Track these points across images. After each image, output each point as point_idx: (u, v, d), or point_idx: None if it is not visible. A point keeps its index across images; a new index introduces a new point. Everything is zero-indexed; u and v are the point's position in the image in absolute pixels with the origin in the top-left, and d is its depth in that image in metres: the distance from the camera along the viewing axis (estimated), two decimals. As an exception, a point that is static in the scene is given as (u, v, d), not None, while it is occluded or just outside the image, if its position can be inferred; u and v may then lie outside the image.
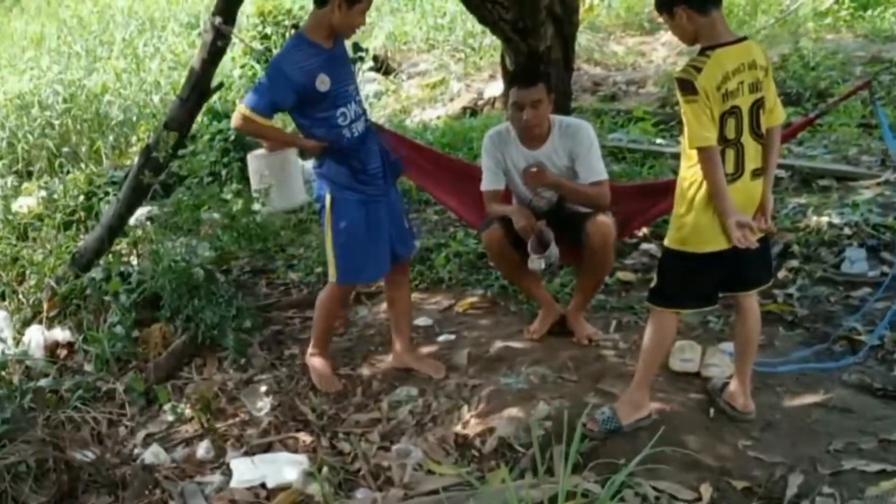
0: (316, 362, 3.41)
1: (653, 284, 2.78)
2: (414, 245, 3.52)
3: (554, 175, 3.25)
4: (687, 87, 2.45)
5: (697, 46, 2.55)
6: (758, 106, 2.54)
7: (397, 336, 3.45)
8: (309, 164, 5.06)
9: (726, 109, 2.48)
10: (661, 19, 2.75)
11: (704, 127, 2.45)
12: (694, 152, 2.52)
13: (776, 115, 2.63)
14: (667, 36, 9.07)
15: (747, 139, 2.54)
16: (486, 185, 3.42)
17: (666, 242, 2.72)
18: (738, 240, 2.47)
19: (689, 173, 2.58)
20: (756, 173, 2.59)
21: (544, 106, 3.19)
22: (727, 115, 2.49)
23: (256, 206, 4.89)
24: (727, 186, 2.49)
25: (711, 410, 2.87)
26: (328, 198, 3.13)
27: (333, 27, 2.98)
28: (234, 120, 3.07)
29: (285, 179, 5.59)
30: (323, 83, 2.96)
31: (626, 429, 2.75)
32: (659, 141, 5.93)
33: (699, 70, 2.44)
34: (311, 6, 3.08)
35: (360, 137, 3.11)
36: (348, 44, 3.52)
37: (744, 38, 2.56)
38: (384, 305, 3.85)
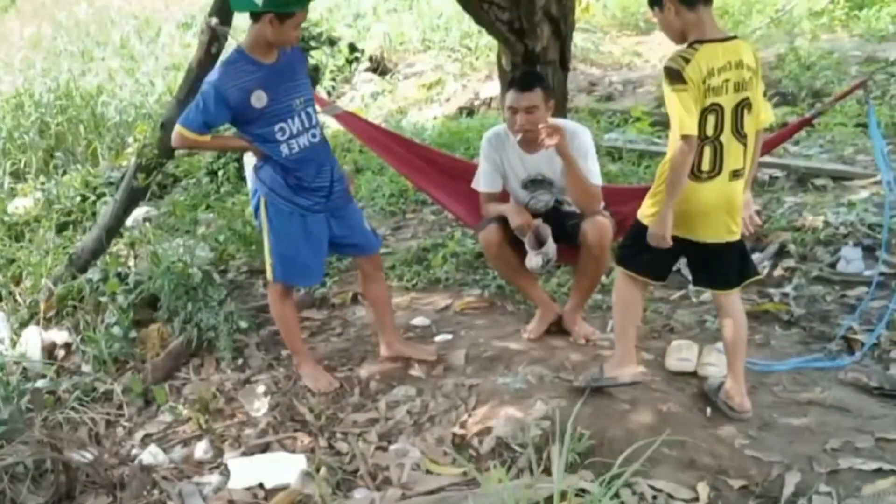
0: (305, 370, 3.39)
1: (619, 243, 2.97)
2: (378, 242, 3.43)
3: (568, 148, 3.12)
4: (675, 76, 2.48)
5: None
6: (742, 106, 2.55)
7: (383, 328, 3.45)
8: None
9: (707, 106, 2.51)
10: (654, 19, 2.77)
11: (692, 116, 2.48)
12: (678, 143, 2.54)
13: (762, 118, 2.64)
14: (662, 35, 9.08)
15: (728, 138, 2.56)
16: (483, 187, 3.42)
17: (638, 216, 2.79)
18: (649, 238, 2.64)
19: None
20: (736, 174, 2.61)
21: (540, 112, 3.13)
22: (707, 112, 2.52)
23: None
24: (693, 186, 2.56)
25: (708, 409, 2.87)
26: (262, 200, 3.11)
27: (270, 42, 2.91)
28: (172, 138, 3.06)
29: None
30: (259, 100, 2.90)
31: (606, 381, 2.85)
32: (655, 140, 5.94)
33: (687, 61, 2.47)
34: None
35: (300, 152, 3.03)
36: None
37: (733, 37, 2.58)
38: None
